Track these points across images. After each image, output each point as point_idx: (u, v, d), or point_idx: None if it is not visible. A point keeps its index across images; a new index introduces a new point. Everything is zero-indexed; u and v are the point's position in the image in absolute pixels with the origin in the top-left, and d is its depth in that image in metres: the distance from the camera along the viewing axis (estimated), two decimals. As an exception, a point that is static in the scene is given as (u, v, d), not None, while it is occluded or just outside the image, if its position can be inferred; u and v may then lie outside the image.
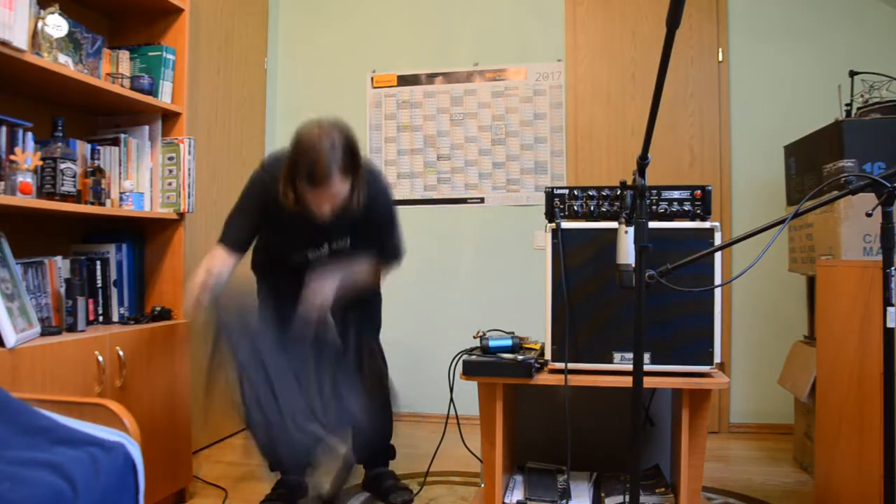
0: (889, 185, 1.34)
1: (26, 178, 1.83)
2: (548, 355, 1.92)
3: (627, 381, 1.59)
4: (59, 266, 2.07)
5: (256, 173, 2.12)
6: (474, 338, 2.12)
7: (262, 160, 2.20)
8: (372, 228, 2.16)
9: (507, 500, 2.04)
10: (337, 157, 1.87)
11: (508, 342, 2.01)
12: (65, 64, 1.96)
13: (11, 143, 1.85)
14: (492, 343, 2.01)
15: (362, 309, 2.27)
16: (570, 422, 1.93)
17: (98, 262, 2.23)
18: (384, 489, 2.34)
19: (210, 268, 2.03)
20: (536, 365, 1.90)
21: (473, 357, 1.94)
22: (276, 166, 2.02)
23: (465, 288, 3.49)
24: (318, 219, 1.98)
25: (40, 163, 1.92)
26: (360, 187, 2.00)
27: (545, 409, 2.29)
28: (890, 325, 1.36)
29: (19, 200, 1.81)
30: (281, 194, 1.96)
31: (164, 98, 2.34)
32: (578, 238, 1.91)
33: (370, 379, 2.19)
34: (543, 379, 1.90)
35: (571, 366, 1.91)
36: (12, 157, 1.83)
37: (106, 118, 2.41)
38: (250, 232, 2.15)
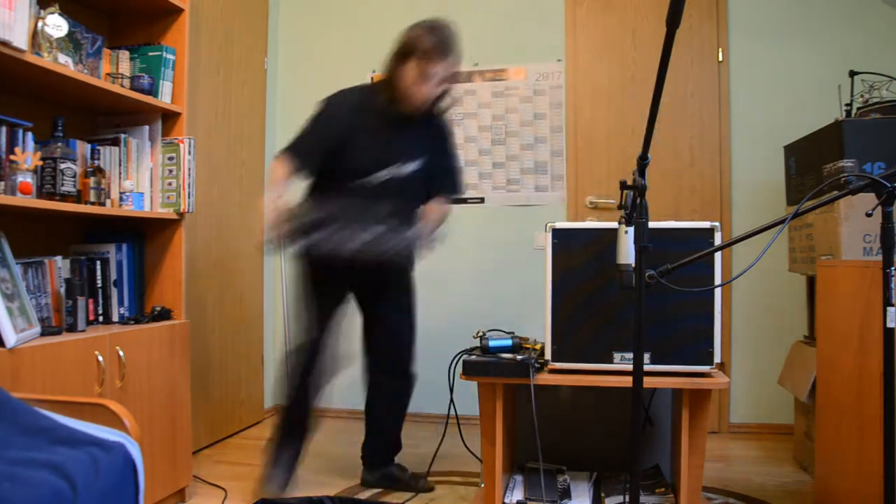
0: (889, 185, 1.34)
1: (26, 178, 1.83)
2: (548, 355, 1.92)
3: (627, 381, 1.59)
4: (59, 266, 2.07)
5: (329, 100, 2.23)
6: (474, 338, 2.12)
7: (328, 97, 2.29)
8: (441, 157, 2.34)
9: (507, 500, 2.04)
10: (458, 42, 2.15)
11: (509, 342, 2.01)
12: (65, 64, 1.96)
13: (11, 143, 1.85)
14: (492, 343, 2.01)
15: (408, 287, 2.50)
16: (559, 420, 1.93)
17: (98, 262, 2.23)
18: (404, 480, 2.44)
19: (276, 196, 2.10)
20: (536, 365, 1.90)
21: (473, 357, 1.94)
22: (347, 94, 2.27)
23: (465, 288, 3.50)
24: (413, 108, 2.17)
25: (40, 163, 1.92)
26: (449, 94, 2.23)
27: (545, 409, 2.29)
28: (890, 325, 1.36)
29: (19, 200, 1.81)
30: (387, 78, 2.20)
31: (164, 98, 2.34)
32: (578, 238, 1.91)
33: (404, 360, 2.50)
34: (543, 379, 1.90)
35: (572, 366, 1.91)
36: (12, 157, 1.83)
37: (106, 118, 2.41)
38: (321, 151, 2.17)
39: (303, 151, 2.20)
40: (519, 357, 1.91)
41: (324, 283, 2.34)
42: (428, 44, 2.11)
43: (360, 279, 2.39)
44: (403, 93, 2.18)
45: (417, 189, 2.33)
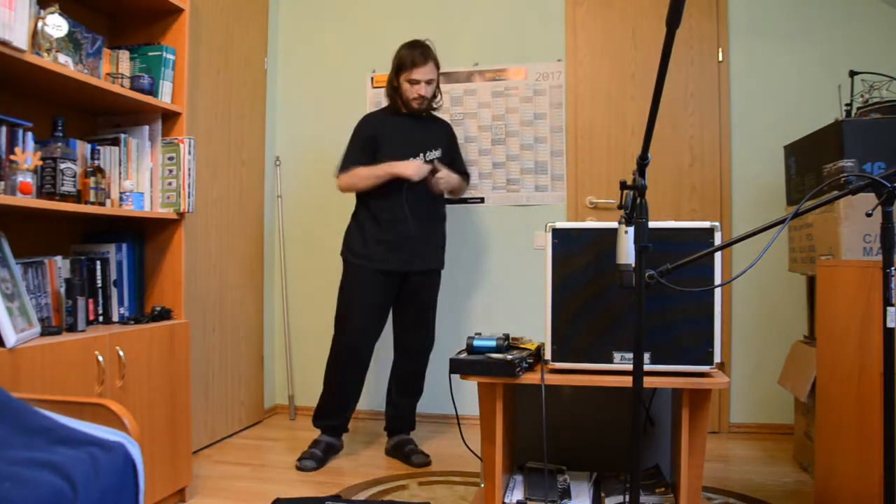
0: (889, 185, 1.34)
1: (26, 178, 1.83)
2: (548, 355, 1.93)
3: (627, 381, 1.59)
4: (59, 266, 2.07)
5: (358, 122, 2.86)
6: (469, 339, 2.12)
7: (358, 122, 2.89)
8: (452, 147, 2.97)
9: (507, 500, 2.04)
10: (432, 49, 2.78)
11: (492, 342, 2.02)
12: (65, 64, 1.96)
13: (11, 143, 1.85)
14: (476, 343, 2.02)
15: (432, 279, 2.89)
16: (559, 420, 1.93)
17: (98, 262, 2.23)
18: (405, 453, 2.78)
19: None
20: (524, 365, 1.91)
21: (462, 356, 1.95)
22: (368, 114, 2.95)
23: (464, 288, 3.49)
24: (416, 107, 2.77)
25: (40, 163, 1.92)
26: (439, 89, 2.86)
27: (546, 409, 2.29)
28: (890, 325, 1.36)
29: (19, 200, 1.81)
30: (389, 89, 2.82)
31: (164, 98, 2.34)
32: (578, 238, 1.91)
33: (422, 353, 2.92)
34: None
35: (571, 366, 1.91)
36: (12, 157, 1.83)
37: (106, 118, 2.41)
38: (366, 156, 2.75)
39: (354, 162, 2.74)
40: (509, 357, 1.91)
41: (379, 290, 2.78)
42: (411, 55, 2.72)
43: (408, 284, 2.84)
44: (406, 97, 2.76)
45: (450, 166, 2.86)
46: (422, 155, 2.78)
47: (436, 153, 2.82)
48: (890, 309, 1.35)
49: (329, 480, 2.55)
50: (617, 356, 1.89)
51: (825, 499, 2.06)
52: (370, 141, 2.76)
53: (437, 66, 2.77)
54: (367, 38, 3.64)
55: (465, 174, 3.02)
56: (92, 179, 2.12)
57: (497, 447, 1.96)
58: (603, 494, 2.08)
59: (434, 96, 2.81)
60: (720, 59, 3.26)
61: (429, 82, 2.74)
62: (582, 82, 3.39)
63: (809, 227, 2.50)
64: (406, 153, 2.75)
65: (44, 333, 1.90)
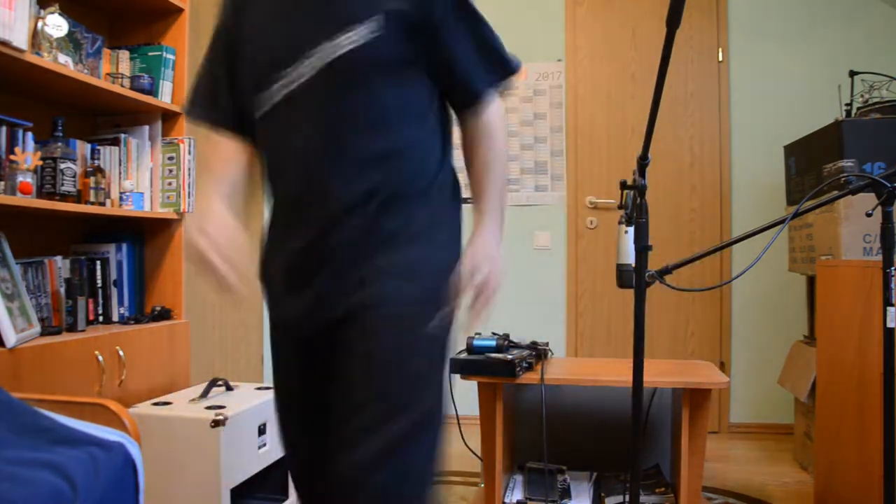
0: (889, 185, 1.34)
1: (26, 178, 1.83)
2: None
3: (627, 381, 1.59)
4: (59, 266, 2.07)
5: None
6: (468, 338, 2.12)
7: None
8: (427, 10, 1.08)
9: (507, 500, 2.04)
10: None
11: (492, 342, 2.03)
12: (65, 64, 1.96)
13: (11, 143, 1.85)
14: (476, 343, 2.03)
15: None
16: (559, 420, 1.93)
17: (98, 262, 2.23)
18: None
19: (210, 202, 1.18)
20: (524, 364, 1.91)
21: (461, 356, 1.95)
22: None
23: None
24: None
25: (40, 163, 1.92)
26: None
27: (545, 409, 2.29)
28: (890, 325, 1.36)
29: (19, 200, 1.80)
30: None
31: (164, 98, 2.34)
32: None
33: None
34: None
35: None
36: (12, 157, 1.83)
37: (106, 118, 2.41)
38: (227, 80, 1.20)
39: (200, 94, 1.26)
40: (509, 356, 1.92)
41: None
42: None
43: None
44: None
45: (393, 94, 1.13)
46: (307, 56, 1.08)
47: (352, 34, 1.05)
48: (890, 309, 1.35)
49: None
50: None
51: (825, 499, 2.06)
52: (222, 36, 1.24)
53: None
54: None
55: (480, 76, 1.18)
56: (92, 179, 2.12)
57: (497, 447, 1.96)
58: (603, 494, 2.08)
59: None
60: (720, 59, 3.26)
61: None
62: (582, 82, 3.39)
63: (809, 227, 2.50)
64: (270, 57, 1.13)
65: (44, 333, 1.89)
